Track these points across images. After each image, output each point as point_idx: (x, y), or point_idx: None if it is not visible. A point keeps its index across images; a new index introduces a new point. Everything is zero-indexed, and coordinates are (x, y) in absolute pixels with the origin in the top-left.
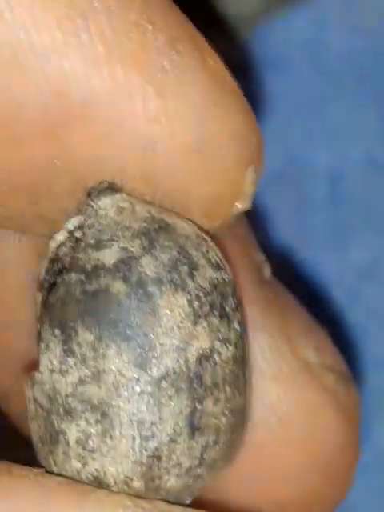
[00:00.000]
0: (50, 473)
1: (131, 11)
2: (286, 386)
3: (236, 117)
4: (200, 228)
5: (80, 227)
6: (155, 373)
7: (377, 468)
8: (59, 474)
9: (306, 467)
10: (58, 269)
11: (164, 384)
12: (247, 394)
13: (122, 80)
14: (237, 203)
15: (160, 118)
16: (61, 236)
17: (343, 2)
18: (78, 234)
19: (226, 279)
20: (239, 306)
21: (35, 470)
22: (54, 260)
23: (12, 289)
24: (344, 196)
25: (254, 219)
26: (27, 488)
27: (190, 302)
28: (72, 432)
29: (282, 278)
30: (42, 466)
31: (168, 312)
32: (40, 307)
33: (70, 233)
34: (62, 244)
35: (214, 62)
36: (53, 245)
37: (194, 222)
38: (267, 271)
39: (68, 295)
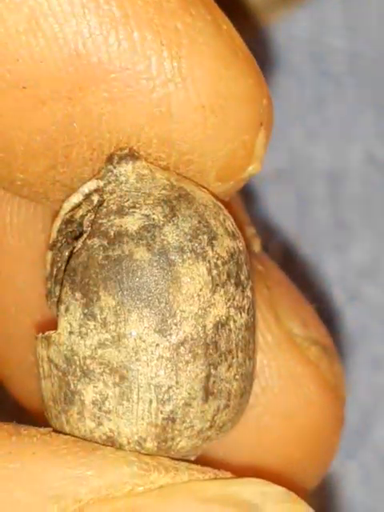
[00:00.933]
0: (58, 432)
1: None
2: (270, 355)
3: (248, 79)
4: (214, 195)
5: (97, 191)
6: (174, 339)
7: (377, 468)
8: (67, 433)
9: (288, 436)
10: (74, 232)
11: (182, 350)
12: (255, 358)
13: (137, 41)
14: (249, 166)
15: (175, 78)
16: (75, 198)
17: (344, 2)
18: (94, 198)
19: (241, 248)
20: (250, 274)
21: (42, 430)
22: (68, 221)
23: (7, 253)
24: (344, 195)
25: (255, 218)
26: (34, 447)
27: (209, 271)
28: (88, 393)
29: None
30: (49, 426)
31: (188, 280)
32: (49, 267)
33: (86, 196)
34: (77, 206)
35: (227, 26)
36: (66, 206)
37: (208, 190)
38: (257, 245)
39: (90, 260)
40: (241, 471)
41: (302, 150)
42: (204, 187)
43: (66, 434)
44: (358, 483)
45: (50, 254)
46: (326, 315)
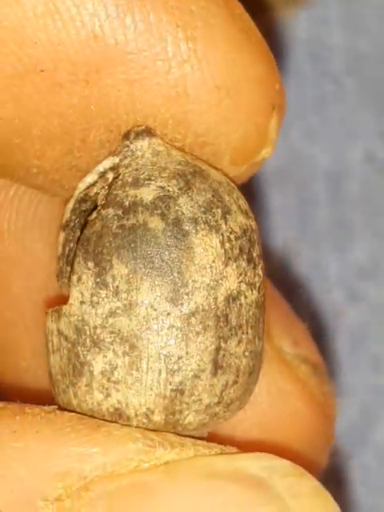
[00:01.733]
0: (64, 409)
1: None
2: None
3: (260, 62)
4: (228, 177)
5: (112, 168)
6: (185, 308)
7: (377, 468)
8: (74, 407)
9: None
10: (88, 210)
11: (193, 320)
12: (263, 340)
13: (153, 23)
14: (262, 149)
15: (191, 60)
16: (90, 178)
17: (344, 2)
18: (109, 175)
19: (253, 227)
20: (261, 255)
21: (47, 408)
22: (82, 200)
23: (3, 260)
24: (344, 195)
25: (255, 218)
26: (38, 425)
27: (222, 243)
28: (98, 363)
29: (282, 277)
30: (54, 402)
31: (201, 251)
32: (61, 247)
33: (101, 174)
34: (91, 185)
35: (240, 10)
36: (81, 186)
37: (222, 171)
38: None
39: (104, 229)
40: (247, 446)
41: (302, 150)
42: (218, 169)
43: (72, 408)
44: (359, 483)
45: (62, 235)
46: (326, 315)
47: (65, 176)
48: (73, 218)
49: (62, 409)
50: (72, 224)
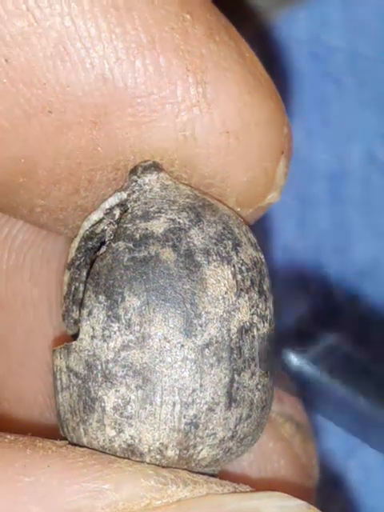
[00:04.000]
0: (75, 445)
1: (172, 3)
2: None
3: (271, 107)
4: (236, 211)
5: (119, 205)
6: (199, 340)
7: (377, 468)
8: (84, 446)
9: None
10: (94, 248)
11: (207, 352)
12: (274, 375)
13: (163, 67)
14: (269, 194)
15: (200, 103)
16: (95, 215)
17: (344, 2)
18: (116, 212)
19: (263, 260)
20: (270, 289)
21: (58, 442)
22: (88, 238)
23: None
24: (345, 195)
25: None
26: (49, 460)
27: (234, 275)
28: (110, 398)
29: (282, 278)
30: (65, 439)
31: (214, 282)
32: (66, 287)
33: (107, 211)
34: (97, 222)
35: (249, 52)
36: (86, 224)
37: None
38: None
39: (115, 262)
40: (260, 485)
41: (302, 150)
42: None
43: (84, 445)
44: (359, 483)
45: (67, 274)
46: (327, 315)
47: (69, 215)
48: (78, 256)
49: (74, 444)
50: (77, 263)
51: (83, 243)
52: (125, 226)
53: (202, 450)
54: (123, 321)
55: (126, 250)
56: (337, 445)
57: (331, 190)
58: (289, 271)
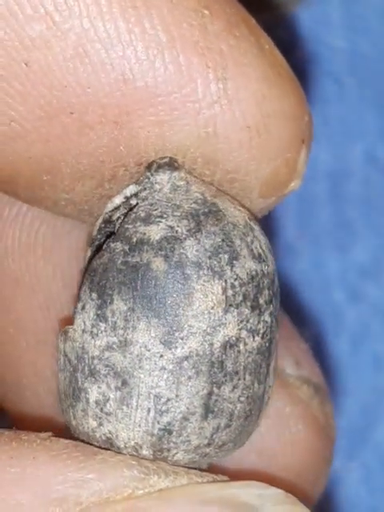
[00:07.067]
0: (57, 437)
1: None
2: None
3: (290, 98)
4: (250, 215)
5: (136, 195)
6: (178, 352)
7: (377, 468)
8: (74, 427)
9: (273, 475)
10: (110, 230)
11: (185, 364)
12: (268, 383)
13: (183, 65)
14: (291, 182)
15: (221, 100)
16: (117, 199)
17: (344, 2)
18: (133, 201)
19: (266, 271)
20: (274, 298)
21: (42, 435)
22: (108, 221)
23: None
24: (345, 195)
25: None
26: (34, 452)
27: (224, 290)
28: (93, 392)
29: (283, 278)
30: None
31: (201, 296)
32: (87, 262)
33: (127, 198)
34: (117, 208)
35: (269, 45)
36: (109, 206)
37: (245, 208)
38: None
39: (110, 263)
40: (240, 475)
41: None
42: (243, 205)
43: (73, 427)
44: (359, 483)
45: (89, 251)
46: (327, 315)
47: (95, 205)
48: (98, 236)
49: (58, 435)
50: (97, 242)
51: (103, 225)
52: (126, 226)
53: (176, 453)
54: (110, 322)
55: (121, 253)
56: (337, 445)
57: (332, 190)
58: (290, 271)
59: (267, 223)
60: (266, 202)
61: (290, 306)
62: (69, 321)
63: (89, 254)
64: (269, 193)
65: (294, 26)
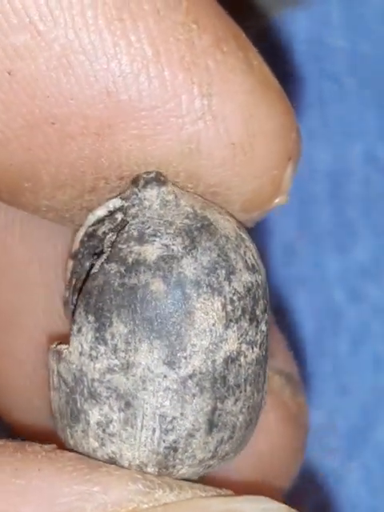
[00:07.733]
0: (64, 449)
1: (178, 13)
2: None
3: (278, 115)
4: (238, 224)
5: (121, 209)
6: (183, 372)
7: (377, 468)
8: (71, 447)
9: (246, 462)
10: (95, 247)
11: (189, 383)
12: (265, 389)
13: (168, 80)
14: (275, 199)
15: (205, 117)
16: (100, 211)
17: (344, 2)
18: (118, 216)
19: (260, 281)
20: (268, 305)
21: (46, 447)
22: (91, 235)
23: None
24: (345, 195)
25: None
26: (39, 464)
27: (223, 306)
28: (94, 414)
29: (283, 278)
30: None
31: (202, 315)
32: (70, 275)
33: (111, 212)
34: (100, 221)
35: (258, 61)
36: (91, 218)
37: (232, 216)
38: None
39: (106, 285)
40: (243, 489)
41: (303, 150)
42: (231, 214)
43: (70, 447)
44: (360, 483)
45: (71, 263)
46: (328, 315)
47: (76, 214)
48: (81, 250)
49: (61, 448)
50: (80, 256)
51: (86, 238)
52: (119, 246)
53: (181, 468)
54: (110, 345)
55: (118, 275)
56: (337, 445)
57: (331, 190)
58: (290, 271)
59: (267, 223)
60: (248, 215)
61: (289, 306)
62: (55, 338)
63: (71, 266)
64: (252, 208)
65: (293, 26)
